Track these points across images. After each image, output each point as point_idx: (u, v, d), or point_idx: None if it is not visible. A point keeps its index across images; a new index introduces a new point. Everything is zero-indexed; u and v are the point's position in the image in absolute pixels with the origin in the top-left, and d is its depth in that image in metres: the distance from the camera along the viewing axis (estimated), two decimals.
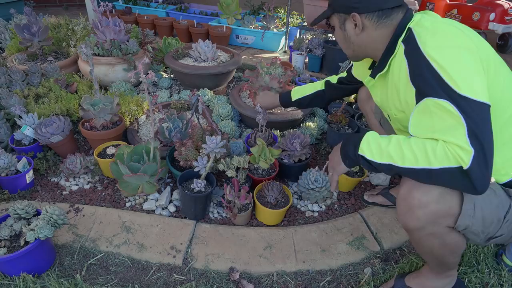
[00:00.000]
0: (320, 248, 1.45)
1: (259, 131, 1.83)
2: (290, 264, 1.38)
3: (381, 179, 1.80)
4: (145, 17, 3.99)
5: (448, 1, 4.12)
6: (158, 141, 1.70)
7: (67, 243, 1.41)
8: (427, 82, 0.90)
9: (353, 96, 2.13)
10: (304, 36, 3.20)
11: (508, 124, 0.97)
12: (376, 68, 1.14)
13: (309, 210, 1.66)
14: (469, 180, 0.83)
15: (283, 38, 3.71)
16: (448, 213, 0.93)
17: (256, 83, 2.08)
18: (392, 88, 1.10)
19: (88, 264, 1.34)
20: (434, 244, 1.02)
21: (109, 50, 2.36)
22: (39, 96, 2.13)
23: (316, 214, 1.64)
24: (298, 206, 1.67)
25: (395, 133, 1.34)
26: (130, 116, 2.04)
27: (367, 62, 1.29)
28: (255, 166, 1.72)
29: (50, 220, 1.25)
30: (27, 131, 1.78)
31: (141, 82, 2.63)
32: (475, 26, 3.73)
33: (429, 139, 0.90)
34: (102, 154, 1.75)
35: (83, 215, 1.53)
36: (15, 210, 1.27)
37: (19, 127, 1.81)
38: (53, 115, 1.87)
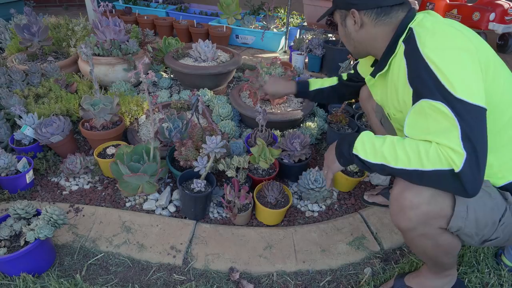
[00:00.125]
0: (320, 248, 1.45)
1: (259, 131, 1.83)
2: (290, 264, 1.38)
3: (381, 179, 1.80)
4: (145, 17, 3.99)
5: (448, 1, 4.12)
6: (158, 141, 1.70)
7: (67, 243, 1.41)
8: (424, 83, 0.90)
9: None
10: (304, 36, 3.20)
11: (507, 127, 0.97)
12: (377, 67, 1.14)
13: (309, 210, 1.66)
14: (460, 183, 0.83)
15: (283, 38, 3.71)
16: (439, 214, 0.93)
17: (256, 83, 2.08)
18: (391, 88, 1.10)
19: (88, 264, 1.34)
20: (427, 244, 1.03)
21: (109, 50, 2.36)
22: (39, 96, 2.13)
23: (316, 214, 1.64)
24: (298, 206, 1.67)
25: (395, 132, 1.34)
26: (130, 116, 2.04)
27: (370, 60, 1.28)
28: (255, 166, 1.72)
29: (50, 220, 1.25)
30: (27, 131, 1.78)
31: (141, 82, 2.63)
32: (475, 26, 3.73)
33: (423, 140, 0.90)
34: (102, 154, 1.75)
35: (83, 215, 1.53)
36: (15, 210, 1.27)
37: (19, 127, 1.81)
38: (53, 115, 1.87)
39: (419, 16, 1.02)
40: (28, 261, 1.21)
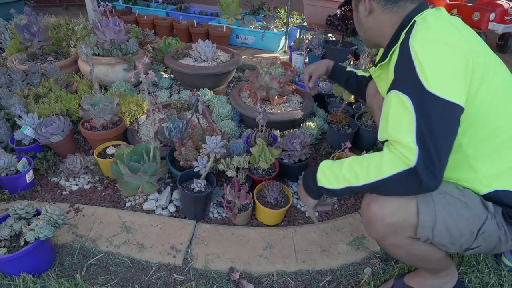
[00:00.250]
0: (320, 248, 1.45)
1: (259, 131, 1.83)
2: (290, 264, 1.38)
3: None
4: (145, 17, 3.99)
5: (448, 1, 4.12)
6: (158, 141, 1.70)
7: (67, 243, 1.41)
8: (401, 73, 0.91)
9: (352, 96, 2.13)
10: (304, 36, 3.20)
11: (495, 135, 0.95)
12: (380, 58, 1.16)
13: None
14: (417, 178, 0.84)
15: (283, 38, 3.71)
16: (405, 224, 0.94)
17: (256, 83, 2.08)
18: (390, 79, 1.11)
19: (88, 264, 1.34)
20: (400, 253, 1.04)
21: (109, 50, 2.36)
22: (39, 96, 2.13)
23: (316, 214, 1.64)
24: (298, 206, 1.67)
25: None
26: (130, 116, 2.04)
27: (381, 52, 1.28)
28: (255, 166, 1.72)
29: (50, 220, 1.25)
30: (27, 131, 1.78)
31: (141, 82, 2.63)
32: (475, 26, 3.73)
33: (378, 152, 0.93)
34: (102, 154, 1.75)
35: (83, 215, 1.53)
36: (15, 210, 1.27)
37: (19, 127, 1.81)
38: (53, 115, 1.87)
39: (428, 11, 1.02)
40: (28, 261, 1.21)
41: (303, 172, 1.15)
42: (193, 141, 1.64)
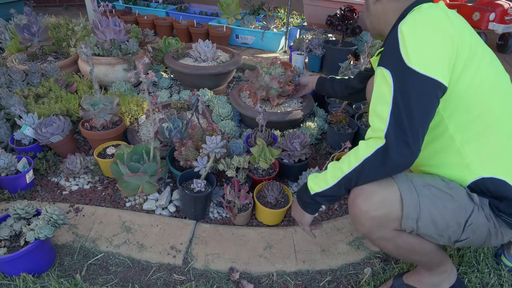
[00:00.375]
0: (320, 248, 1.45)
1: (259, 131, 1.83)
2: (290, 264, 1.38)
3: None
4: (145, 17, 3.99)
5: (448, 1, 4.12)
6: (158, 141, 1.70)
7: (67, 243, 1.41)
8: (386, 52, 0.96)
9: None
10: (304, 36, 3.20)
11: (482, 118, 0.96)
12: (381, 46, 1.18)
13: None
14: (388, 152, 0.88)
15: (283, 38, 3.71)
16: (389, 217, 0.95)
17: (256, 83, 2.08)
18: None
19: (88, 264, 1.34)
20: (388, 246, 1.05)
21: (109, 50, 2.36)
22: (39, 96, 2.13)
23: (316, 214, 1.64)
24: None
25: None
26: (130, 116, 2.04)
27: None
28: (255, 166, 1.72)
29: (50, 220, 1.25)
30: (27, 131, 1.78)
31: (141, 82, 2.63)
32: (475, 26, 3.73)
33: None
34: (102, 154, 1.75)
35: (83, 215, 1.53)
36: (15, 210, 1.27)
37: (19, 127, 1.81)
38: (53, 115, 1.87)
39: (428, 3, 1.04)
40: (28, 261, 1.21)
41: (296, 194, 1.20)
42: (193, 141, 1.64)
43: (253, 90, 2.10)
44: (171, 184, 1.73)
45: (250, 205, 1.53)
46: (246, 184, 1.62)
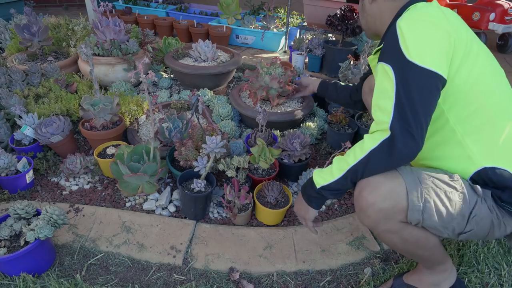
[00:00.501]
0: (320, 248, 1.45)
1: (259, 131, 1.83)
2: (290, 264, 1.38)
3: None
4: (145, 17, 3.99)
5: (448, 1, 4.12)
6: (158, 141, 1.70)
7: (67, 243, 1.41)
8: (386, 47, 0.98)
9: None
10: (304, 36, 3.20)
11: (481, 111, 0.98)
12: (378, 44, 1.21)
13: None
14: (394, 143, 0.90)
15: (283, 38, 3.71)
16: (395, 209, 0.96)
17: (256, 83, 2.08)
18: None
19: (88, 264, 1.34)
20: (394, 240, 1.06)
21: (109, 50, 2.36)
22: (39, 96, 2.13)
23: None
24: None
25: None
26: (130, 116, 2.04)
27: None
28: (255, 166, 1.72)
29: (50, 220, 1.25)
30: (27, 131, 1.78)
31: (141, 82, 2.63)
32: (475, 26, 3.73)
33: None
34: (102, 154, 1.75)
35: (83, 215, 1.53)
36: (15, 210, 1.27)
37: (19, 127, 1.81)
38: (53, 115, 1.87)
39: (423, 2, 1.06)
40: (28, 261, 1.21)
41: (301, 189, 1.20)
42: (193, 141, 1.64)
43: (253, 90, 2.10)
44: (171, 184, 1.73)
45: (250, 205, 1.53)
46: (246, 184, 1.62)
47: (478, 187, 0.98)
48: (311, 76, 2.72)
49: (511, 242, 1.35)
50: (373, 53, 1.29)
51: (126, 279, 1.30)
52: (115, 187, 1.72)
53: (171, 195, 1.67)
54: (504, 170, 0.97)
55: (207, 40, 2.55)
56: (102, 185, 1.73)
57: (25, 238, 1.19)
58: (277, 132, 2.01)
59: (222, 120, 2.10)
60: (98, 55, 2.37)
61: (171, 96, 2.45)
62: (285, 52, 3.73)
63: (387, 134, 0.92)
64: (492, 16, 3.62)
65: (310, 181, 1.13)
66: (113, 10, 4.26)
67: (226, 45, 3.72)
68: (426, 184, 0.97)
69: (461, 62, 0.94)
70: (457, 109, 0.98)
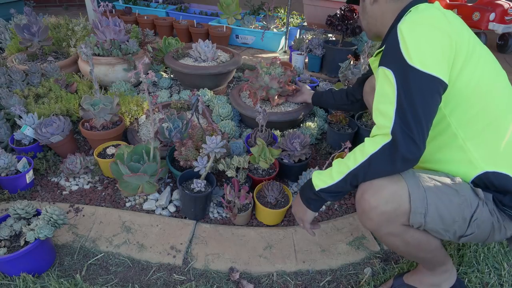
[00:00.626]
0: (320, 248, 1.45)
1: (259, 131, 1.83)
2: (290, 264, 1.38)
3: None
4: (145, 17, 3.99)
5: (448, 1, 4.12)
6: (158, 141, 1.70)
7: (67, 243, 1.41)
8: (387, 52, 0.97)
9: None
10: (304, 36, 3.20)
11: (483, 115, 0.98)
12: (379, 46, 1.20)
13: None
14: (396, 148, 0.90)
15: (283, 38, 3.71)
16: (397, 212, 0.96)
17: (256, 83, 2.08)
18: None
19: (88, 264, 1.34)
20: (396, 242, 1.05)
21: (109, 50, 2.36)
22: (39, 96, 2.13)
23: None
24: None
25: None
26: (130, 116, 2.04)
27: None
28: (255, 166, 1.72)
29: (50, 220, 1.25)
30: (27, 131, 1.78)
31: (141, 82, 2.63)
32: (475, 26, 3.73)
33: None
34: (102, 154, 1.75)
35: (83, 215, 1.53)
36: (15, 210, 1.27)
37: (19, 127, 1.81)
38: (53, 115, 1.87)
39: (424, 3, 1.05)
40: (28, 261, 1.21)
41: (299, 190, 1.19)
42: (193, 141, 1.64)
43: (253, 90, 2.10)
44: (171, 184, 1.73)
45: (250, 205, 1.53)
46: (246, 184, 1.62)
47: (480, 190, 0.98)
48: (311, 76, 2.72)
49: None
50: (374, 55, 1.28)
51: (126, 279, 1.30)
52: (115, 187, 1.72)
53: (171, 195, 1.67)
54: (505, 174, 0.97)
55: (207, 40, 2.55)
56: (102, 185, 1.73)
57: (25, 238, 1.19)
58: (277, 132, 2.01)
59: (222, 120, 2.10)
60: (98, 55, 2.37)
61: (171, 96, 2.45)
62: (285, 52, 3.73)
63: (388, 138, 0.92)
64: (492, 16, 3.62)
65: (309, 183, 1.12)
66: (113, 10, 4.26)
67: (226, 45, 3.73)
68: (428, 187, 0.96)
69: (462, 66, 0.94)
70: (459, 113, 0.98)
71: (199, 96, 1.72)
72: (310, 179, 1.12)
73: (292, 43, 3.37)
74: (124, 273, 1.32)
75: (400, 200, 0.95)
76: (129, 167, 1.47)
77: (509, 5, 3.61)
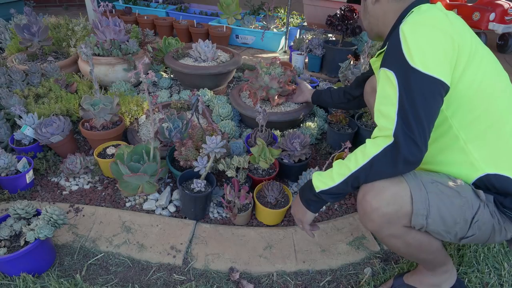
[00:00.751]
0: (320, 248, 1.45)
1: (259, 131, 1.83)
2: (290, 264, 1.38)
3: None
4: (145, 17, 3.99)
5: (448, 1, 4.12)
6: (158, 141, 1.70)
7: (67, 243, 1.41)
8: (389, 53, 0.97)
9: None
10: (304, 36, 3.20)
11: (485, 116, 0.98)
12: (381, 46, 1.20)
13: None
14: (398, 150, 0.90)
15: (283, 38, 3.71)
16: (399, 214, 0.96)
17: (256, 83, 2.08)
18: None
19: (88, 264, 1.34)
20: (397, 244, 1.05)
21: (109, 50, 2.36)
22: (39, 96, 2.13)
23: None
24: None
25: None
26: (130, 116, 2.04)
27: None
28: (255, 166, 1.72)
29: (50, 220, 1.25)
30: (27, 131, 1.78)
31: (141, 82, 2.64)
32: (475, 26, 3.73)
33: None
34: (102, 154, 1.75)
35: (83, 215, 1.53)
36: (15, 210, 1.27)
37: (19, 127, 1.81)
38: (53, 115, 1.87)
39: (426, 4, 1.05)
40: (28, 261, 1.21)
41: (299, 191, 1.18)
42: (193, 141, 1.64)
43: (253, 90, 2.10)
44: (171, 184, 1.73)
45: (250, 205, 1.53)
46: (246, 184, 1.62)
47: (481, 192, 0.98)
48: (311, 76, 2.72)
49: None
50: (376, 55, 1.28)
51: (126, 279, 1.30)
52: (115, 187, 1.72)
53: (171, 195, 1.67)
54: (506, 176, 0.97)
55: (207, 40, 2.55)
56: (102, 185, 1.73)
57: (25, 238, 1.19)
58: (277, 132, 2.01)
59: (222, 120, 2.10)
60: (98, 55, 2.37)
61: (171, 96, 2.45)
62: (285, 52, 3.73)
63: (390, 140, 0.91)
64: (492, 16, 3.62)
65: (309, 184, 1.12)
66: (113, 10, 4.26)
67: (226, 45, 3.73)
68: (429, 188, 0.96)
69: (465, 67, 0.93)
70: (461, 114, 0.97)
71: (199, 96, 1.72)
72: (310, 180, 1.12)
73: (292, 43, 3.38)
74: (124, 273, 1.32)
75: (402, 201, 0.95)
76: (129, 167, 1.47)
77: (509, 5, 3.61)
